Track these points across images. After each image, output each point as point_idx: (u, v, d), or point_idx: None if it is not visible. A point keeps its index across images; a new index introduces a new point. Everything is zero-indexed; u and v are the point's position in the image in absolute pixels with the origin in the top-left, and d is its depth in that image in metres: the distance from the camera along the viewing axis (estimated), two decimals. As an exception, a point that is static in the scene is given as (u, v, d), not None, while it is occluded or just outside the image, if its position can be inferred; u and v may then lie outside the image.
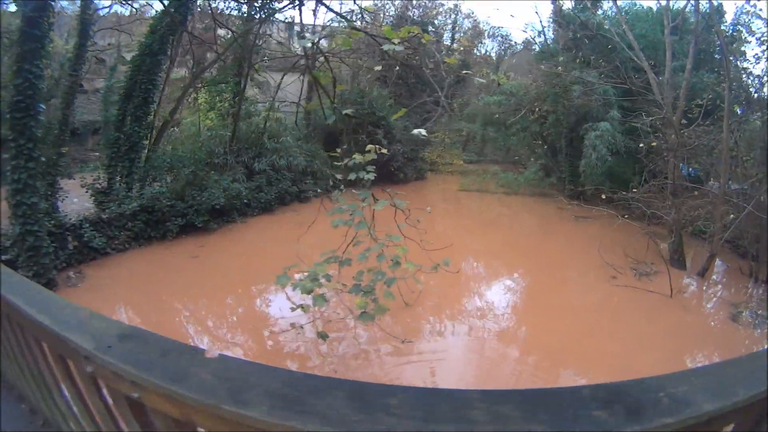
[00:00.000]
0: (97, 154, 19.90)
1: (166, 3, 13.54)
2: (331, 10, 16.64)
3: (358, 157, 6.48)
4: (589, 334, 9.42)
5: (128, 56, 21.97)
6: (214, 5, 16.81)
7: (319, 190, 17.76)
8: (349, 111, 7.92)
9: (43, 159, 10.78)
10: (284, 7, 16.81)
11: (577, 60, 18.97)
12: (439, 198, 23.28)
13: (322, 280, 6.34)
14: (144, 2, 18.83)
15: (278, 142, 17.18)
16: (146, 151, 14.08)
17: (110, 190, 13.18)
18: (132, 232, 12.53)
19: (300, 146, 18.16)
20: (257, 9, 16.26)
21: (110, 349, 1.41)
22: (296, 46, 19.23)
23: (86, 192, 13.13)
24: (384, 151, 7.79)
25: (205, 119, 17.48)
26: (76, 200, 13.11)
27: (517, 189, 21.43)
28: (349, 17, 19.76)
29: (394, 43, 5.15)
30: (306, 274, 6.22)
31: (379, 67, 19.28)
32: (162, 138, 14.88)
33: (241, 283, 11.62)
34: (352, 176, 6.20)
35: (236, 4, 17.08)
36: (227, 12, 17.67)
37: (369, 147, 6.77)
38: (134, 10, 19.18)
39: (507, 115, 21.87)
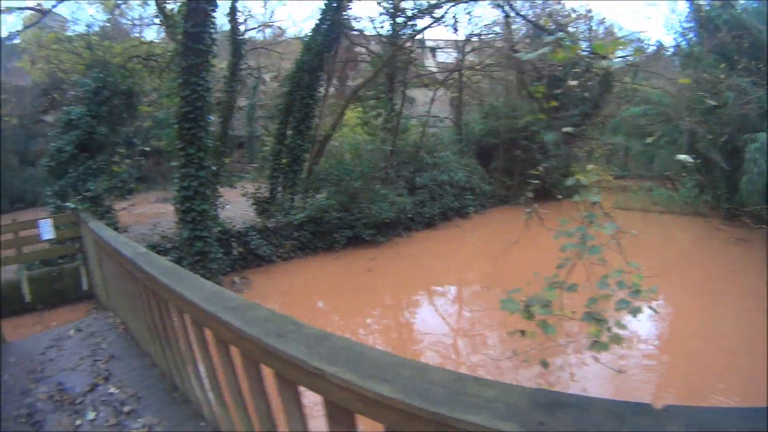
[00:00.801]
0: (239, 164, 20.36)
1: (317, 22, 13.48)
2: (534, 22, 15.73)
3: (581, 177, 5.14)
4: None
5: (266, 77, 23.01)
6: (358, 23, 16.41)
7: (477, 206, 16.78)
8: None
9: (213, 168, 11.11)
10: (432, 23, 15.97)
11: (722, 65, 16.08)
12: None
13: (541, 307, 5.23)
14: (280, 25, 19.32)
15: (437, 156, 16.21)
16: (308, 163, 13.84)
17: (272, 199, 13.08)
18: (299, 242, 12.23)
19: (457, 161, 16.98)
20: (404, 25, 15.50)
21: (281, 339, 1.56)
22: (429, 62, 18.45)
23: (246, 200, 13.23)
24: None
25: (353, 135, 17.01)
26: (228, 206, 13.15)
27: (672, 207, 18.57)
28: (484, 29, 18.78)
29: (610, 58, 4.80)
30: (526, 298, 5.05)
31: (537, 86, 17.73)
32: (324, 151, 14.57)
33: (423, 297, 10.70)
34: (576, 198, 5.13)
35: (383, 21, 16.43)
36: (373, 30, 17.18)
37: (590, 167, 5.53)
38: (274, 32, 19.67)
39: (653, 126, 19.19)
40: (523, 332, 5.82)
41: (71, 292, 9.59)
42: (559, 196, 16.98)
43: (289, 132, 13.27)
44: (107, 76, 11.51)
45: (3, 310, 7.28)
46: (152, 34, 19.53)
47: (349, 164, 13.66)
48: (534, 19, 18.29)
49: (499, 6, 15.49)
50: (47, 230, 9.16)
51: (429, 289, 11.07)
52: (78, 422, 3.54)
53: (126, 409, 3.61)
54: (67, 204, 9.78)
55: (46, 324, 8.98)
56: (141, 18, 18.60)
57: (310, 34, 13.67)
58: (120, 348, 4.92)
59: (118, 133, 12.35)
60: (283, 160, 13.19)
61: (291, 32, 22.35)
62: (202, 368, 2.73)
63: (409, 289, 10.96)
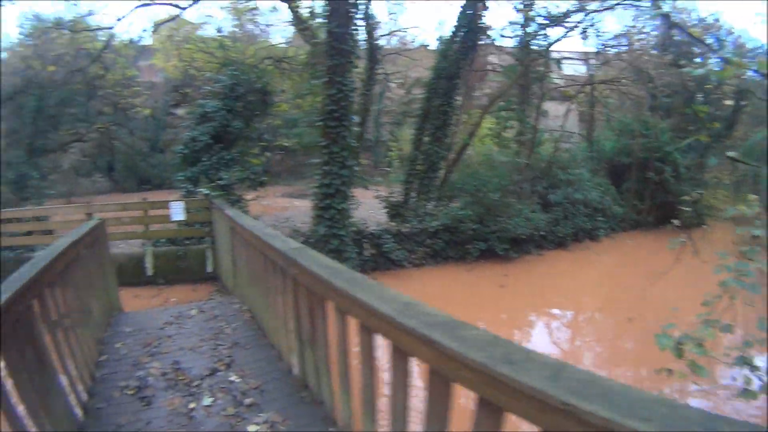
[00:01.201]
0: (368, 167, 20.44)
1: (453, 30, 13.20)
2: (692, 36, 14.86)
3: (742, 207, 4.49)
4: None
5: (391, 84, 23.03)
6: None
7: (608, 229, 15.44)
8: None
9: (356, 168, 11.11)
10: (567, 33, 15.06)
11: None
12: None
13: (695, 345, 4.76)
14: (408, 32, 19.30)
15: (571, 174, 15.19)
16: (443, 171, 13.46)
17: (405, 204, 12.79)
18: (431, 250, 11.80)
19: (590, 179, 15.85)
20: (534, 35, 14.66)
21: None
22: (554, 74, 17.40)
23: (378, 203, 13.04)
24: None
25: (483, 145, 16.37)
26: (357, 207, 12.93)
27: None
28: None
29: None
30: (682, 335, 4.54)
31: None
32: (460, 160, 14.12)
33: (557, 321, 10.04)
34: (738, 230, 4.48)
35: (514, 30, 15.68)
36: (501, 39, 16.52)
37: (752, 197, 4.82)
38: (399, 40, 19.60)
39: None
40: (669, 371, 5.13)
41: (194, 272, 9.96)
42: (676, 223, 15.24)
43: (426, 138, 12.97)
44: (242, 74, 11.85)
45: (124, 280, 7.44)
46: (278, 38, 20.18)
47: (486, 175, 13.03)
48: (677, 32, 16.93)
49: (660, 15, 14.25)
50: (178, 212, 9.45)
51: (563, 313, 10.31)
52: (192, 405, 3.40)
53: (247, 401, 3.42)
54: (200, 190, 10.02)
55: (164, 299, 9.29)
56: (267, 24, 19.33)
57: (446, 40, 13.39)
58: (244, 336, 4.76)
59: (252, 128, 12.58)
60: (419, 166, 12.96)
61: (415, 40, 22.08)
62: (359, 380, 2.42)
63: (543, 310, 10.20)
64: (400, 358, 1.90)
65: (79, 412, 3.22)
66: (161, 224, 10.03)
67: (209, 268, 9.62)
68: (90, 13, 16.13)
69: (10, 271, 8.88)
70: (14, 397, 2.21)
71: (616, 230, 15.95)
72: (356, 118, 11.23)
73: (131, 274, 9.37)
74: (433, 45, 22.39)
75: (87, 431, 3.10)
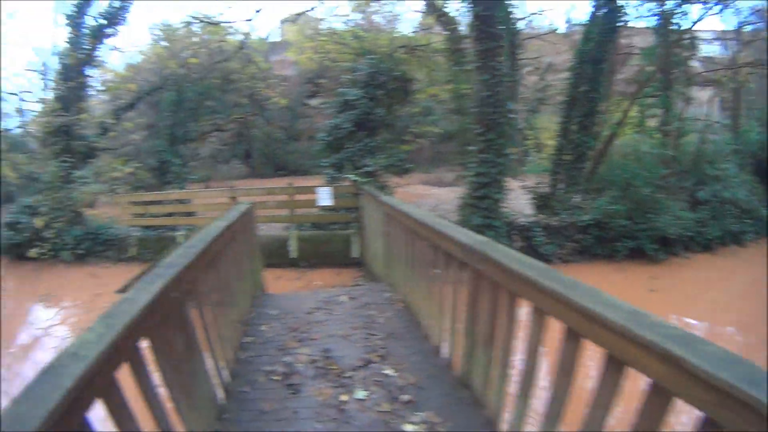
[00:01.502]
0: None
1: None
2: None
3: None
4: None
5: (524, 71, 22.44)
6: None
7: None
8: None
9: (513, 157, 11.13)
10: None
11: None
12: None
13: None
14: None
15: (719, 169, 13.93)
16: (591, 162, 12.92)
17: (552, 196, 12.40)
18: (579, 245, 11.16)
19: (737, 175, 14.44)
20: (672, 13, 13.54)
21: None
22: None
23: (524, 193, 12.72)
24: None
25: (625, 136, 15.35)
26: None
27: None
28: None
29: None
30: None
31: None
32: (608, 150, 13.46)
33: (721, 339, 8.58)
34: None
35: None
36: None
37: None
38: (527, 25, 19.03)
39: None
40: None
41: (338, 257, 10.34)
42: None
43: (573, 127, 12.43)
44: (380, 63, 12.08)
45: (266, 261, 7.53)
46: (405, 28, 20.36)
47: (634, 168, 12.34)
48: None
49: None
50: (325, 197, 9.78)
51: (723, 330, 9.08)
52: (343, 398, 3.24)
53: (404, 397, 3.22)
54: (346, 176, 10.32)
55: (307, 281, 9.63)
56: (393, 14, 19.48)
57: (588, 22, 12.77)
58: (399, 327, 4.53)
59: (393, 116, 12.81)
60: (566, 156, 12.44)
61: (544, 25, 21.39)
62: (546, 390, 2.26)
63: (699, 325, 9.10)
64: (615, 370, 1.79)
65: (221, 393, 3.18)
66: (306, 209, 10.61)
67: (354, 254, 9.98)
68: (220, 14, 17.64)
69: (152, 248, 11.02)
70: (157, 380, 2.14)
71: (760, 234, 14.65)
72: (512, 105, 11.08)
73: (274, 255, 9.79)
74: (562, 29, 21.68)
75: (228, 414, 3.03)
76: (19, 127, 22.20)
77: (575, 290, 2.01)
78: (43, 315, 9.60)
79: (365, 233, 8.85)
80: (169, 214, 12.02)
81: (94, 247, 12.22)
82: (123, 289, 9.16)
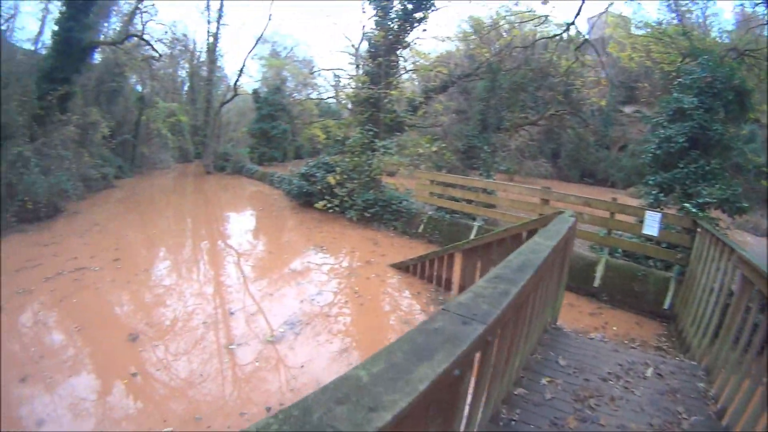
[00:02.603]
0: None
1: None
2: None
3: None
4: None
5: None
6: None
7: None
8: None
9: None
10: None
11: None
12: None
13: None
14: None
15: None
16: None
17: None
18: None
19: None
20: None
21: None
22: None
23: None
24: None
25: None
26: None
27: None
28: None
29: None
30: None
31: None
32: None
33: None
34: None
35: None
36: None
37: None
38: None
39: None
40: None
41: (646, 301, 7.90)
42: None
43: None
44: (716, 67, 9.65)
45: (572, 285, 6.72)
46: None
47: None
48: None
49: None
50: (653, 225, 7.76)
51: None
52: None
53: None
54: (682, 204, 8.26)
55: (602, 321, 7.44)
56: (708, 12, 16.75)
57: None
58: None
59: (730, 135, 10.01)
60: None
61: None
62: None
63: None
64: None
65: None
66: (624, 232, 8.61)
67: (667, 305, 7.58)
68: (530, 10, 16.71)
69: (443, 230, 11.53)
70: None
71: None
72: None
73: (575, 277, 8.10)
74: None
75: None
76: (332, 97, 25.90)
77: None
78: (315, 258, 10.26)
79: (691, 285, 6.60)
80: (469, 201, 11.44)
81: (384, 214, 12.70)
82: (399, 266, 9.24)
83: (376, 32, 14.13)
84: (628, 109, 19.83)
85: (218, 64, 30.91)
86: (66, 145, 16.14)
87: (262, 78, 33.46)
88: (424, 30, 14.58)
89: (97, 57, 23.43)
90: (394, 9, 14.14)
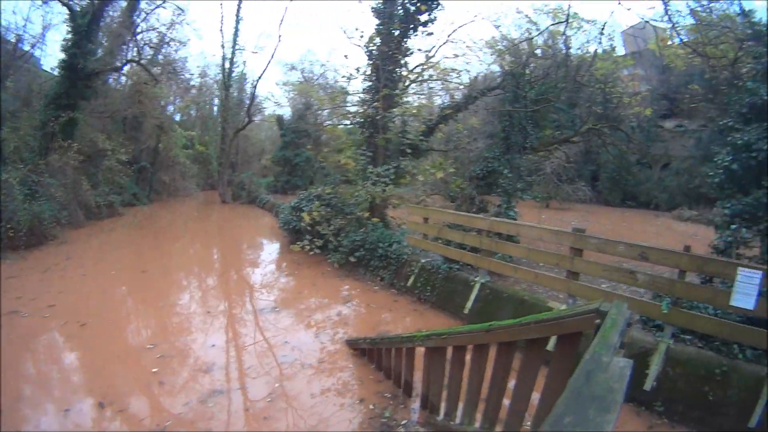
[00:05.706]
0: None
1: None
2: None
3: None
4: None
5: None
6: None
7: None
8: None
9: None
10: None
11: None
12: None
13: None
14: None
15: None
16: None
17: None
18: None
19: None
20: None
21: None
22: None
23: None
24: None
25: None
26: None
27: None
28: None
29: None
30: None
31: None
32: None
33: None
34: None
35: None
36: None
37: None
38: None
39: None
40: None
41: (724, 415, 4.60)
42: None
43: None
44: None
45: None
46: None
47: None
48: None
49: None
50: (748, 292, 4.40)
51: None
52: None
53: None
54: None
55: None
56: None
57: None
58: None
59: None
60: None
61: None
62: None
63: None
64: None
65: None
66: (699, 302, 5.26)
67: (754, 422, 4.26)
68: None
69: (436, 286, 8.21)
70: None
71: None
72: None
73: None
74: None
75: None
76: (345, 122, 24.02)
77: None
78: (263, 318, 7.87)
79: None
80: (474, 250, 8.18)
81: (371, 259, 10.25)
82: (355, 345, 6.03)
83: (377, 41, 12.02)
84: (668, 124, 17.52)
85: (245, 90, 30.13)
86: (65, 172, 15.19)
87: (290, 104, 32.36)
88: (431, 34, 12.23)
89: (123, 81, 23.06)
90: (397, 13, 11.87)
